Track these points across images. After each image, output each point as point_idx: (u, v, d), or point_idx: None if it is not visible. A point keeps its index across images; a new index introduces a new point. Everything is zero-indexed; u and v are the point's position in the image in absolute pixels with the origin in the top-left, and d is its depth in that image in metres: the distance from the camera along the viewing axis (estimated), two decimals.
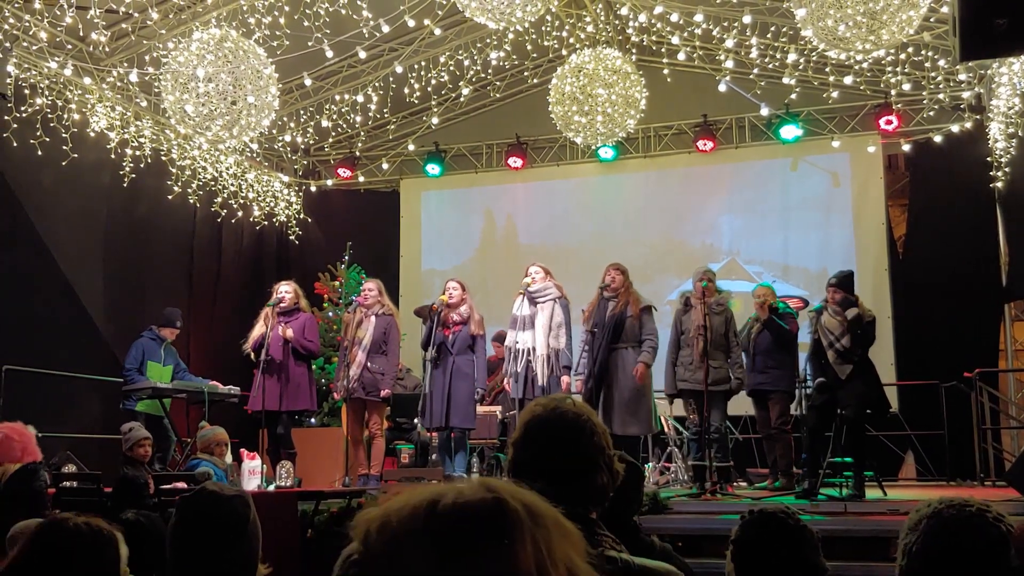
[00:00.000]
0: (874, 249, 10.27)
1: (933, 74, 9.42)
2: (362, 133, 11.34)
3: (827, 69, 9.57)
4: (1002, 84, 8.56)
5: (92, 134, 8.58)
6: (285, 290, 7.63)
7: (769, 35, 9.23)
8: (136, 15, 8.37)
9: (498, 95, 11.31)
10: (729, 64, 9.50)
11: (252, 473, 6.27)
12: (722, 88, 9.90)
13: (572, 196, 11.40)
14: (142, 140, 9.13)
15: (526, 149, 11.36)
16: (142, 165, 9.05)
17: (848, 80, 9.61)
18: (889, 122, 9.94)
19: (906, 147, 10.31)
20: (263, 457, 7.05)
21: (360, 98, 10.23)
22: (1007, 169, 9.00)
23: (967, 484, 8.35)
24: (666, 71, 9.88)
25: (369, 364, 7.32)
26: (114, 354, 8.52)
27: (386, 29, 8.76)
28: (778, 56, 9.46)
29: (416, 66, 10.08)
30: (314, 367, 8.05)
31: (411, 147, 11.47)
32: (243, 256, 11.21)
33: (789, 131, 10.22)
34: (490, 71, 10.49)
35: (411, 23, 8.80)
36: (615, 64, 8.39)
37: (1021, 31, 3.62)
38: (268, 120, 7.74)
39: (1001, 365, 9.89)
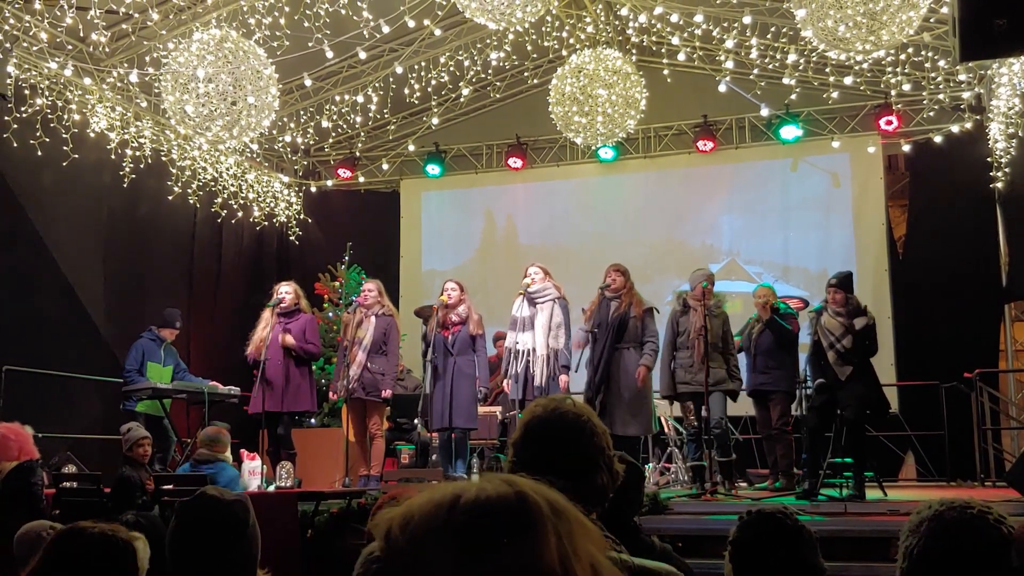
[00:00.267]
0: (874, 249, 10.27)
1: (933, 74, 9.42)
2: (362, 133, 11.34)
3: (827, 69, 9.57)
4: (1002, 84, 8.56)
5: (92, 135, 8.58)
6: (285, 290, 7.62)
7: (769, 35, 9.23)
8: (136, 16, 8.37)
9: (498, 95, 11.31)
10: (729, 64, 9.50)
11: (252, 474, 6.27)
12: (722, 88, 9.90)
13: (572, 196, 11.40)
14: (142, 140, 9.13)
15: (526, 149, 11.36)
16: (142, 166, 9.06)
17: (848, 80, 9.62)
18: (889, 122, 9.94)
19: (906, 147, 10.31)
20: (263, 458, 7.05)
21: (360, 98, 10.23)
22: (1007, 169, 9.00)
23: (967, 485, 8.35)
24: (666, 71, 9.89)
25: (369, 364, 7.32)
26: (114, 355, 8.52)
27: (386, 30, 8.76)
28: (778, 56, 9.46)
29: (416, 66, 10.09)
30: (314, 367, 8.04)
31: (411, 147, 11.47)
32: (243, 256, 11.21)
33: (789, 131, 10.23)
34: (490, 71, 10.50)
35: (411, 24, 8.80)
36: (615, 65, 8.40)
37: (1021, 31, 3.63)
38: (268, 120, 7.75)
39: (1001, 365, 9.89)
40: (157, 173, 9.39)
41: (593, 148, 10.70)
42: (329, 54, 8.90)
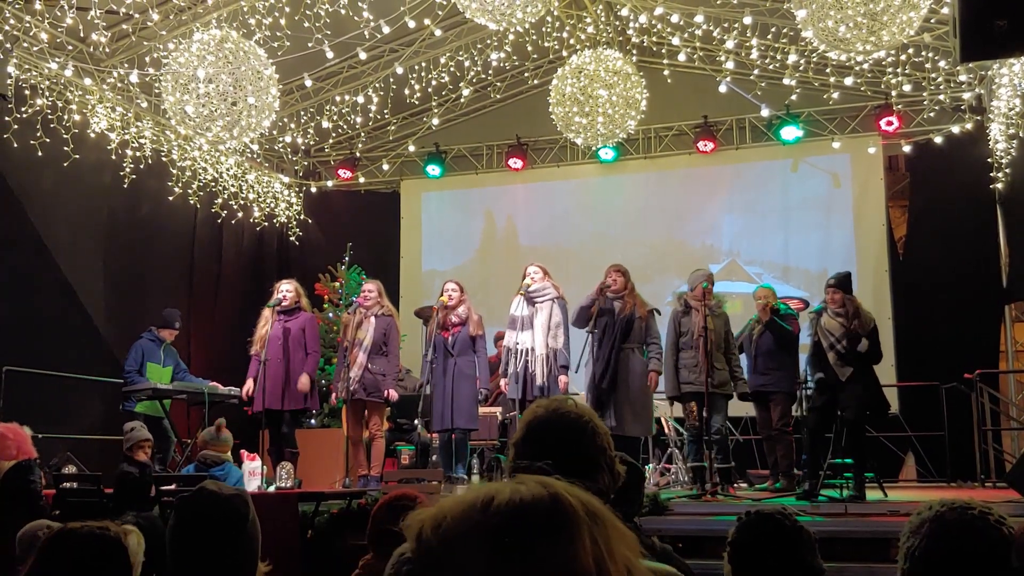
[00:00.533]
0: (874, 250, 10.27)
1: (933, 75, 9.42)
2: (362, 134, 11.34)
3: (827, 70, 9.57)
4: (1002, 85, 8.56)
5: (92, 135, 8.58)
6: (286, 289, 7.61)
7: (769, 36, 9.23)
8: (137, 16, 8.37)
9: (498, 96, 11.31)
10: (730, 65, 9.50)
11: (252, 474, 6.26)
12: (722, 89, 9.90)
13: (572, 197, 11.40)
14: (143, 141, 9.13)
15: (526, 150, 11.36)
16: (142, 166, 9.06)
17: (848, 81, 9.62)
18: (889, 123, 9.94)
19: (906, 148, 10.31)
20: (264, 458, 7.04)
21: (360, 99, 10.23)
22: (1007, 170, 9.01)
23: (967, 485, 8.35)
24: (666, 72, 9.88)
25: (370, 365, 7.31)
26: (114, 355, 8.52)
27: (386, 30, 8.76)
28: (778, 57, 9.46)
29: (416, 67, 10.09)
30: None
31: (411, 148, 11.47)
32: (243, 257, 11.21)
33: (789, 132, 10.23)
34: (490, 72, 10.49)
35: (411, 24, 8.80)
36: (615, 65, 8.40)
37: (1021, 32, 3.62)
38: (268, 121, 7.75)
39: (1001, 366, 9.88)
40: (157, 173, 9.39)
41: (593, 149, 10.70)
42: (329, 54, 8.90)
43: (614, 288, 7.07)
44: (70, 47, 8.47)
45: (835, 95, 9.97)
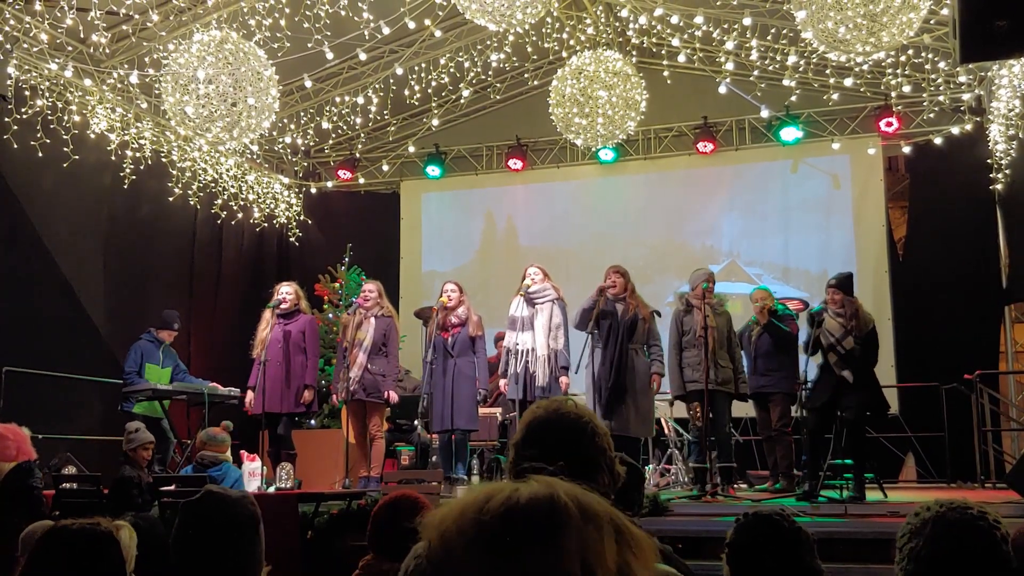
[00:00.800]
0: (874, 251, 10.27)
1: (933, 76, 9.42)
2: (362, 135, 11.34)
3: (827, 71, 9.57)
4: (1002, 86, 8.56)
5: (92, 136, 8.59)
6: (286, 291, 7.61)
7: (769, 37, 9.24)
8: (136, 17, 8.37)
9: (498, 97, 11.31)
10: (729, 66, 9.51)
11: (252, 475, 6.27)
12: (722, 90, 9.90)
13: (572, 198, 11.41)
14: (142, 142, 9.14)
15: (526, 151, 11.37)
16: (142, 167, 9.06)
17: (848, 82, 9.62)
18: (889, 124, 9.94)
19: (906, 149, 10.32)
20: (263, 459, 7.05)
21: (360, 100, 10.24)
22: (1007, 171, 9.01)
23: (967, 486, 8.35)
24: (666, 73, 9.89)
25: (369, 366, 7.31)
26: (114, 356, 8.52)
27: (386, 31, 8.76)
28: (778, 58, 9.46)
29: (416, 68, 10.09)
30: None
31: (411, 149, 11.47)
32: (243, 258, 11.21)
33: (789, 133, 10.23)
34: (490, 73, 10.50)
35: (411, 25, 8.81)
36: (615, 66, 8.40)
37: (1021, 33, 3.63)
38: (268, 122, 7.74)
39: (1001, 367, 9.88)
40: (157, 174, 9.40)
41: (593, 149, 10.70)
42: (329, 55, 8.90)
43: (614, 290, 7.07)
44: (70, 48, 8.47)
45: (835, 96, 9.98)
